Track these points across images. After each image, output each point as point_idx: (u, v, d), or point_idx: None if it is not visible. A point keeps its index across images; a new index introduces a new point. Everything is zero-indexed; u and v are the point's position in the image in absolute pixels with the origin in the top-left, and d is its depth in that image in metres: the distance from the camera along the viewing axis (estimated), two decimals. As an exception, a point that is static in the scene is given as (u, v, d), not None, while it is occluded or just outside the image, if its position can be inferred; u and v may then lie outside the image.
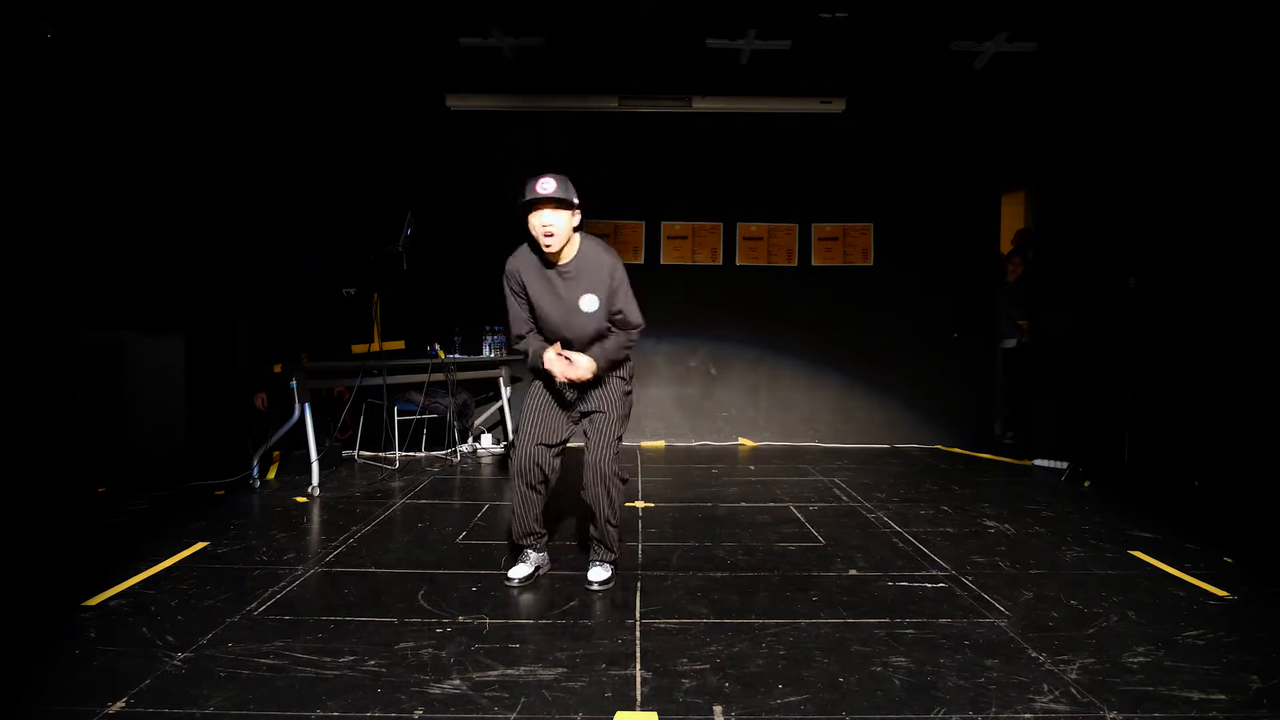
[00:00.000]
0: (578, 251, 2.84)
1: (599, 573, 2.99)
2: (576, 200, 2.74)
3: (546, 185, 2.68)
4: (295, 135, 6.02)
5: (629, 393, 3.04)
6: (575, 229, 2.81)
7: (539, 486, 2.94)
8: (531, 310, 2.93)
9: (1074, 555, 3.40)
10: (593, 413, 2.97)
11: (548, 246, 2.74)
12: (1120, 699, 2.09)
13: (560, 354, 2.80)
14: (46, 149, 4.31)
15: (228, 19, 5.23)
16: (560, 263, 2.83)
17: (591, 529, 3.03)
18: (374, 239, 5.65)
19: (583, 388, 2.93)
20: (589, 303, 2.84)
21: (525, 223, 2.76)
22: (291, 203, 5.95)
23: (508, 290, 2.93)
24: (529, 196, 2.69)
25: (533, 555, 3.07)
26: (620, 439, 2.99)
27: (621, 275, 2.87)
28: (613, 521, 2.96)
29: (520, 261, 2.90)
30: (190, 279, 5.07)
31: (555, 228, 2.70)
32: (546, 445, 2.91)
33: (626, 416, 3.02)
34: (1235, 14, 4.48)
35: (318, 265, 5.86)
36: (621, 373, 3.01)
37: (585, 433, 2.99)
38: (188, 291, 5.05)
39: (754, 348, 6.59)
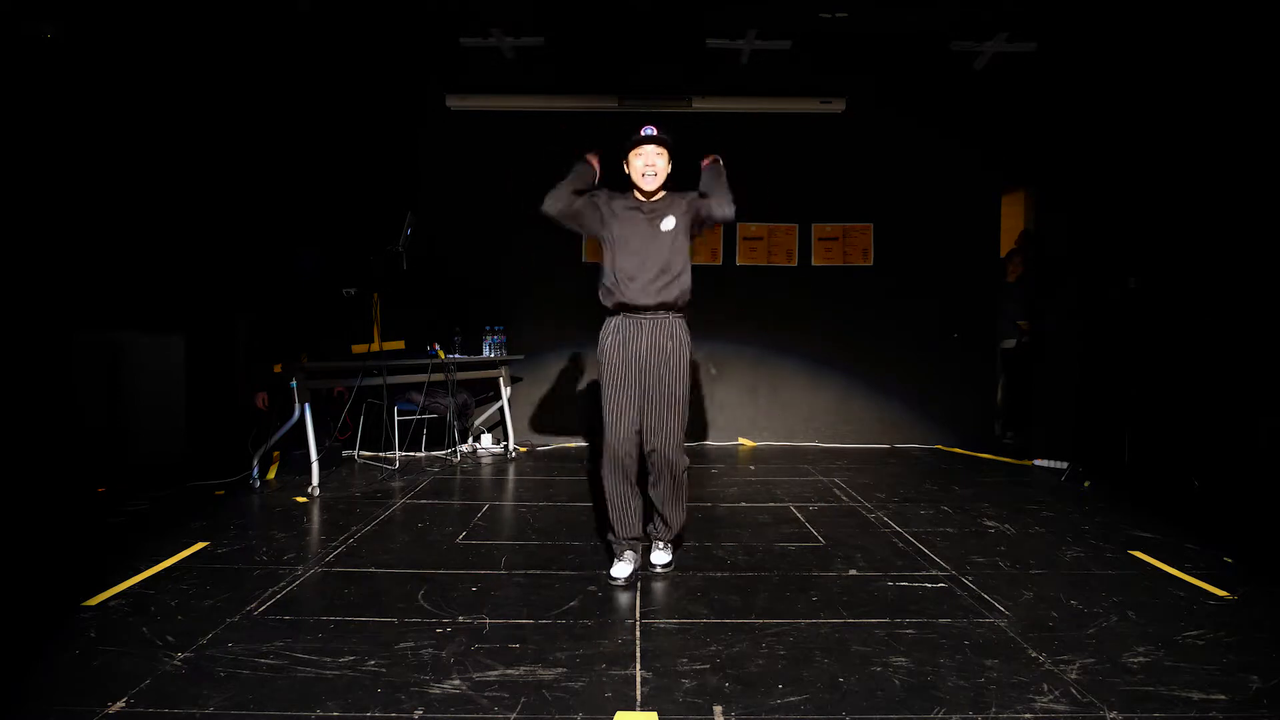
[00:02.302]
0: (666, 192, 3.12)
1: (661, 555, 3.15)
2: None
3: (649, 130, 3.03)
4: (295, 135, 6.02)
5: (689, 349, 3.08)
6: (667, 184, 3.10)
7: (635, 479, 3.05)
8: (596, 225, 3.10)
9: (1074, 555, 3.40)
10: (659, 383, 2.98)
11: (647, 184, 3.03)
12: (1120, 699, 2.09)
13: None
14: (47, 149, 4.31)
15: (228, 19, 5.23)
16: (651, 200, 3.08)
17: (655, 516, 3.15)
18: (374, 239, 5.65)
19: (654, 345, 3.00)
20: (668, 223, 3.03)
21: (626, 166, 3.10)
22: (291, 203, 5.95)
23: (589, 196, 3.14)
24: (635, 140, 3.02)
25: (630, 554, 3.06)
26: (687, 418, 3.06)
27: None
28: (679, 510, 3.11)
29: (613, 194, 3.15)
30: (190, 279, 5.07)
31: (657, 166, 3.03)
32: (638, 431, 3.01)
33: (689, 385, 3.09)
34: (1234, 14, 4.48)
35: (318, 265, 5.86)
36: (684, 338, 3.05)
37: (651, 410, 3.00)
38: (188, 291, 5.05)
39: (754, 348, 6.59)
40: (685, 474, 3.10)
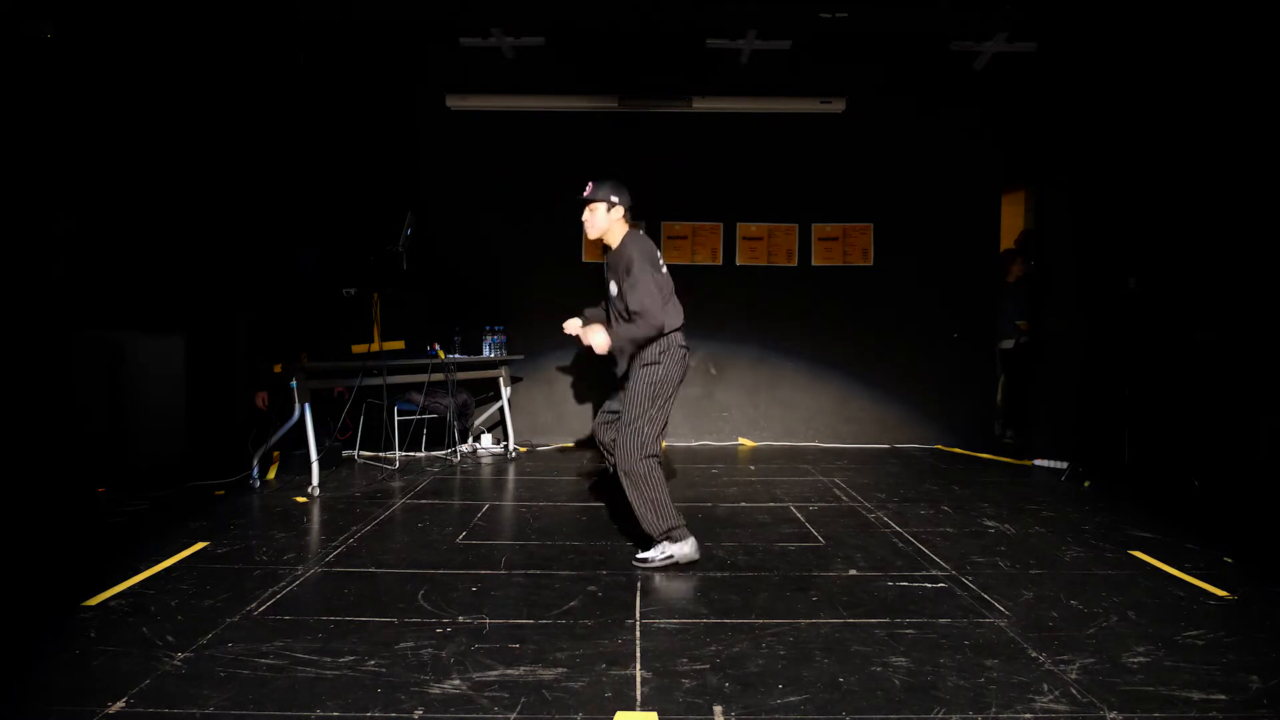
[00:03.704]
0: (618, 245, 3.30)
1: (644, 551, 3.27)
2: (613, 198, 3.27)
3: (587, 189, 3.29)
4: (296, 136, 6.02)
5: (650, 367, 3.20)
6: (627, 222, 3.33)
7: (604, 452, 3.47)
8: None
9: (1074, 555, 3.40)
10: (621, 396, 3.34)
11: (587, 234, 3.33)
12: (1120, 699, 2.09)
13: (583, 329, 3.29)
14: (48, 149, 4.30)
15: (230, 20, 5.23)
16: (608, 253, 3.35)
17: None
18: (374, 239, 5.65)
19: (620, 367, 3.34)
20: (613, 288, 3.30)
21: None
22: (291, 203, 5.95)
23: None
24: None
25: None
26: (644, 421, 3.17)
27: (637, 268, 3.15)
28: (637, 508, 3.19)
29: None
30: (190, 279, 5.07)
31: (588, 221, 3.31)
32: (608, 411, 3.47)
33: (650, 396, 3.19)
34: (1235, 15, 4.47)
35: (318, 265, 5.86)
36: (645, 356, 3.21)
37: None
38: (188, 291, 5.05)
39: (754, 348, 6.59)
40: (637, 477, 3.17)
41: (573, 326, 3.41)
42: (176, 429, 4.92)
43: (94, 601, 2.72)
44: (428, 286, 6.14)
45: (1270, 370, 4.16)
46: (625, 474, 3.16)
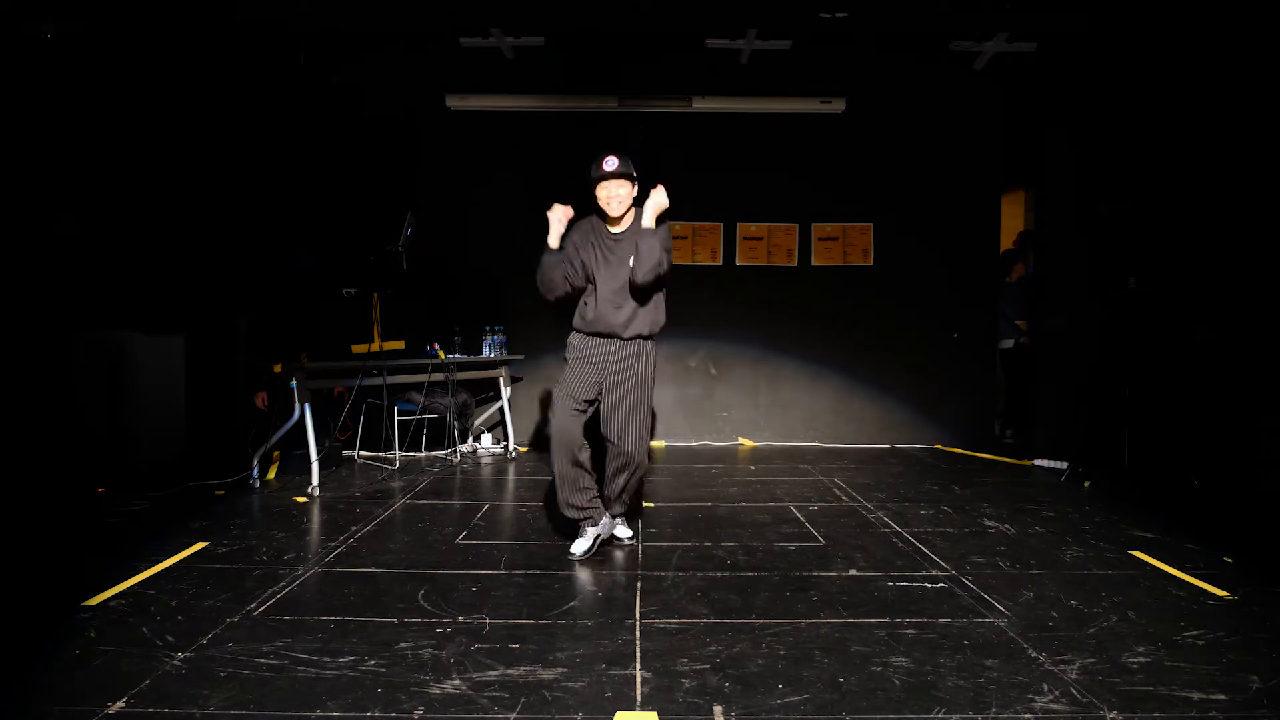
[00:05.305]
0: (633, 222, 3.29)
1: (625, 530, 3.53)
2: (634, 172, 3.24)
3: (610, 163, 3.19)
4: (296, 136, 6.02)
5: (652, 368, 3.37)
6: (635, 201, 3.27)
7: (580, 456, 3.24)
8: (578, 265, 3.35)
9: (1074, 555, 3.40)
10: (617, 388, 3.27)
11: (612, 211, 3.24)
12: (1120, 699, 2.09)
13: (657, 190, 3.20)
14: (48, 149, 4.31)
15: (228, 19, 5.23)
16: (618, 230, 3.28)
17: (613, 498, 3.44)
18: (374, 239, 5.65)
19: (613, 357, 3.28)
20: (633, 261, 3.24)
21: (594, 197, 3.27)
22: (291, 203, 5.95)
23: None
24: (596, 174, 3.21)
25: (589, 529, 3.36)
26: (648, 416, 3.32)
27: (666, 233, 3.26)
28: (635, 487, 3.42)
29: (578, 230, 3.35)
30: (190, 279, 5.07)
31: (617, 196, 3.23)
32: (578, 409, 3.25)
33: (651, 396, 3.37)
34: (1234, 18, 4.47)
35: (318, 265, 5.86)
36: (652, 358, 3.35)
37: (611, 414, 3.27)
38: (188, 291, 5.05)
39: (754, 348, 6.59)
40: (646, 463, 3.41)
41: (656, 194, 3.22)
42: (176, 429, 4.92)
43: (94, 601, 2.72)
44: (427, 286, 6.14)
45: (1270, 370, 4.16)
46: (636, 460, 3.27)
